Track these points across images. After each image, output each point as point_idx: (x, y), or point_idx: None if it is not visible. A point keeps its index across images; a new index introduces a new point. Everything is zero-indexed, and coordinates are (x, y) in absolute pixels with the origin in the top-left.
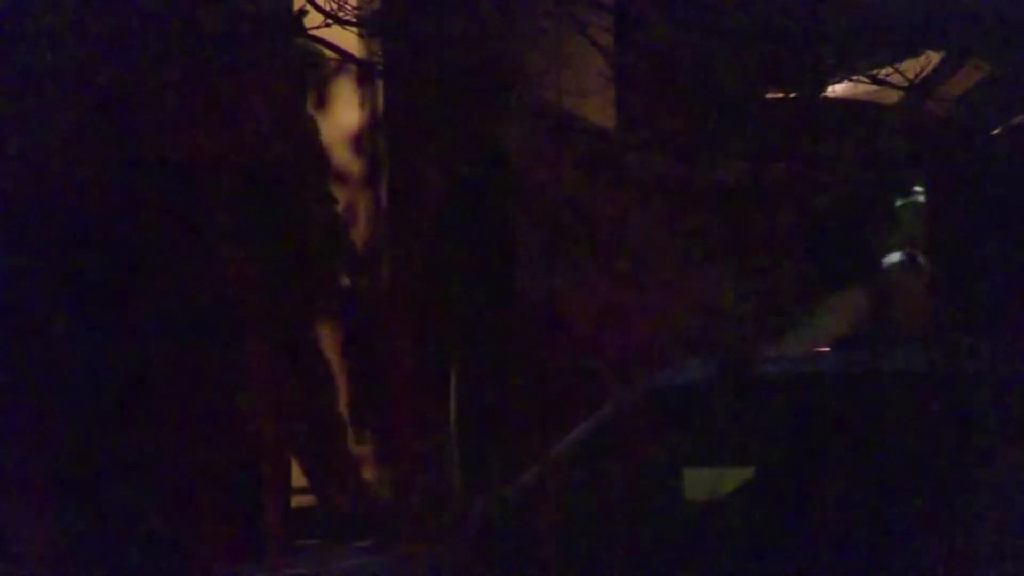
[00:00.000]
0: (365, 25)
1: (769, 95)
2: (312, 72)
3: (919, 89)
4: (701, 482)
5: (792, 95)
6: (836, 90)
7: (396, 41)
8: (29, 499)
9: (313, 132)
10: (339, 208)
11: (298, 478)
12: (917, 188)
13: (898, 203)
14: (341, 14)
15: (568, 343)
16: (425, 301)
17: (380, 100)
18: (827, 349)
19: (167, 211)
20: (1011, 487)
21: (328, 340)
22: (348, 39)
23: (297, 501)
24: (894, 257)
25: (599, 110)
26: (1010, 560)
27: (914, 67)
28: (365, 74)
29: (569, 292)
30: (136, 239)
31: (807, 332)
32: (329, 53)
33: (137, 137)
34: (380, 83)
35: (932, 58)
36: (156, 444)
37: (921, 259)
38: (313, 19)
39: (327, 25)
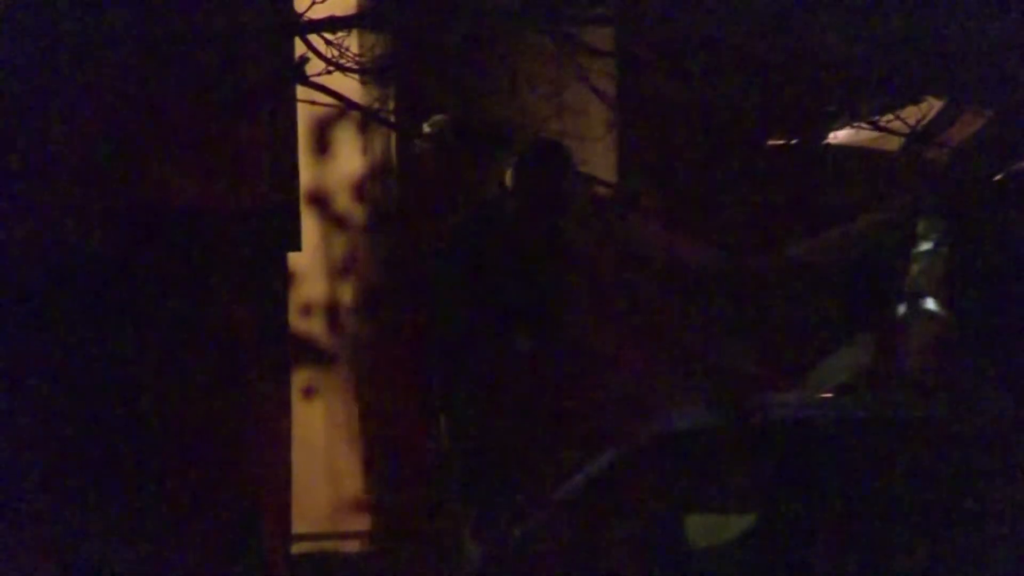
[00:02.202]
0: (367, 72)
1: (771, 142)
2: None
3: (921, 136)
4: (705, 527)
5: (794, 141)
6: (838, 136)
7: (401, 89)
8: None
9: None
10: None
11: (299, 524)
12: (934, 236)
13: (915, 251)
14: (343, 61)
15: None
16: (424, 344)
17: (382, 146)
18: (831, 395)
19: (162, 258)
20: (1008, 536)
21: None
22: (350, 86)
23: (298, 548)
24: (906, 304)
25: (600, 157)
26: None
27: (915, 114)
28: (367, 121)
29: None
30: (131, 284)
31: (817, 377)
32: (330, 100)
33: (132, 183)
34: (382, 130)
35: (934, 105)
36: (153, 488)
37: (935, 307)
38: (314, 66)
39: (328, 72)
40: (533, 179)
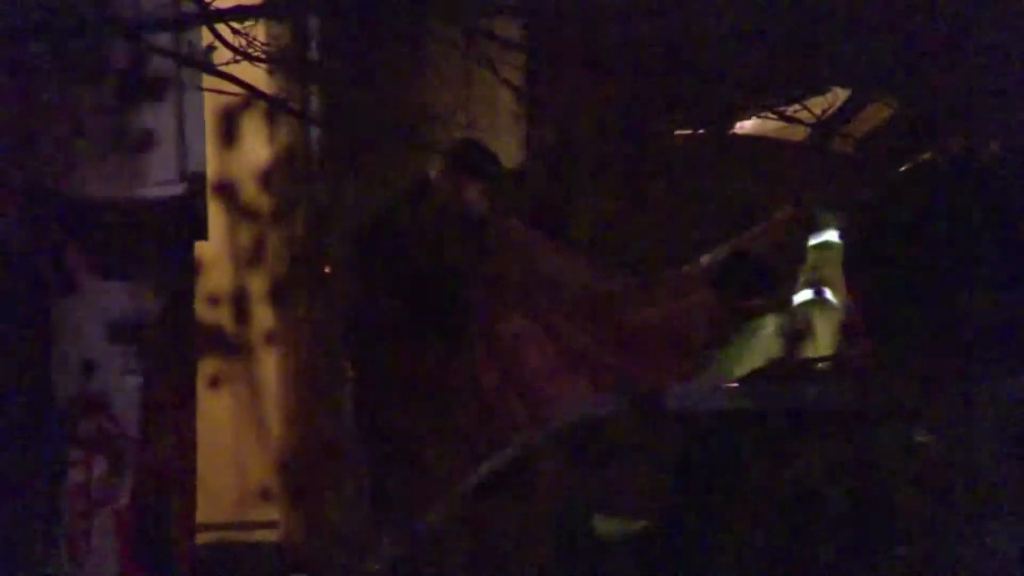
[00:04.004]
0: (274, 62)
1: (678, 132)
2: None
3: (826, 126)
4: (612, 515)
5: (700, 131)
6: (744, 126)
7: (309, 79)
8: None
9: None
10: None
11: (205, 514)
12: (831, 227)
13: (810, 242)
14: (250, 51)
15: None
16: (342, 333)
17: (291, 136)
18: (735, 384)
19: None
20: (921, 518)
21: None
22: (256, 75)
23: (204, 537)
24: (805, 295)
25: (508, 149)
26: None
27: (821, 104)
28: (274, 111)
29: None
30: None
31: (718, 366)
32: (237, 89)
33: (35, 173)
34: (291, 119)
35: (839, 95)
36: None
37: (830, 296)
38: (221, 55)
39: (235, 61)
40: (457, 179)
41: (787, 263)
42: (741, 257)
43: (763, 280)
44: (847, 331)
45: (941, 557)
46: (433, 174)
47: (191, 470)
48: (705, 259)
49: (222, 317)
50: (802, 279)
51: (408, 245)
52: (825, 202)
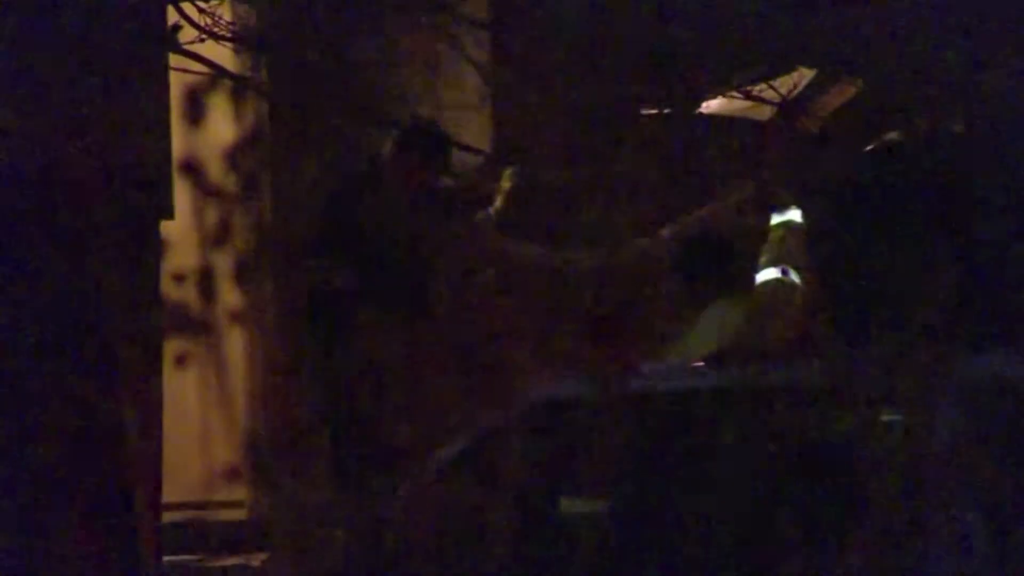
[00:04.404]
0: (240, 40)
1: (644, 111)
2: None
3: (792, 105)
4: (578, 497)
5: (667, 111)
6: (711, 106)
7: (275, 58)
8: None
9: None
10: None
11: (171, 493)
12: (792, 206)
13: (773, 221)
14: (216, 29)
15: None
16: (306, 314)
17: (256, 115)
18: (700, 364)
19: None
20: (883, 499)
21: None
22: (222, 54)
23: (171, 517)
24: (768, 274)
25: (476, 128)
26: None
27: (787, 83)
28: (240, 89)
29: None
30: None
31: (682, 347)
32: (203, 68)
33: None
34: (256, 98)
35: (805, 74)
36: (22, 457)
37: (794, 276)
38: (187, 33)
39: (201, 40)
40: (409, 160)
41: (749, 242)
42: (702, 237)
43: (725, 260)
44: (810, 310)
45: (907, 539)
46: (384, 155)
47: (157, 450)
48: (664, 232)
49: (188, 296)
50: (765, 258)
51: (363, 225)
52: (788, 180)
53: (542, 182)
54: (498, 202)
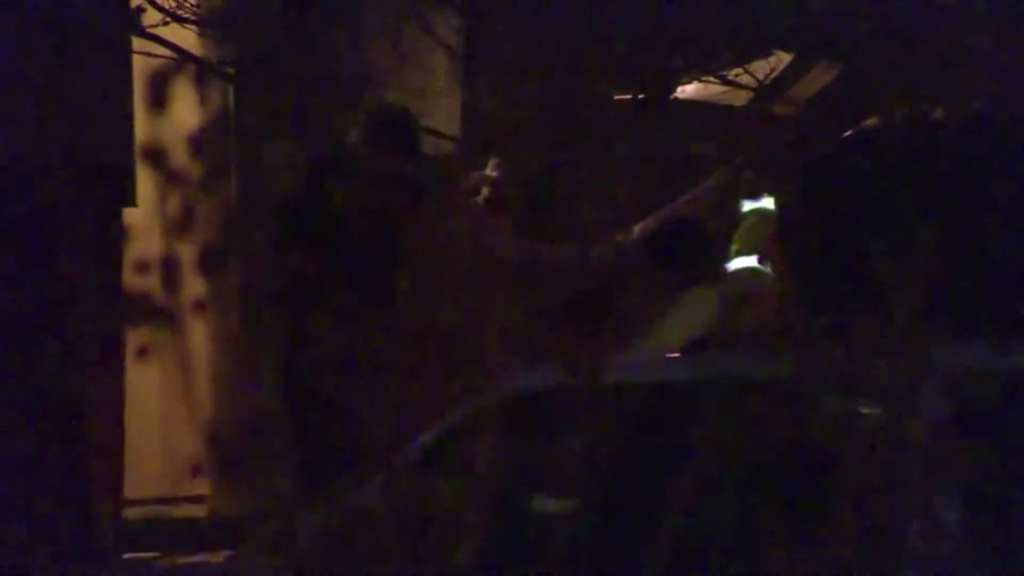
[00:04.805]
0: (204, 24)
1: (618, 96)
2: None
3: (769, 90)
4: (552, 489)
5: (641, 96)
6: (686, 91)
7: (242, 41)
8: None
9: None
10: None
11: (133, 489)
12: (761, 194)
13: (744, 209)
14: (180, 12)
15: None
16: (275, 299)
17: (222, 100)
18: (676, 355)
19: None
20: (859, 492)
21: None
22: (187, 37)
23: (132, 512)
24: (741, 262)
25: (445, 113)
26: (856, 566)
27: (764, 68)
28: (204, 73)
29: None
30: None
31: (656, 337)
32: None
33: None
34: (221, 83)
35: (782, 59)
36: None
37: (766, 265)
38: (151, 17)
39: (165, 23)
40: (376, 145)
41: (722, 229)
42: (676, 226)
43: (699, 248)
44: (785, 300)
45: (886, 529)
46: (351, 140)
47: (118, 444)
48: (637, 228)
49: (151, 285)
50: (737, 246)
51: (329, 211)
52: (762, 167)
53: (521, 172)
54: (485, 192)
